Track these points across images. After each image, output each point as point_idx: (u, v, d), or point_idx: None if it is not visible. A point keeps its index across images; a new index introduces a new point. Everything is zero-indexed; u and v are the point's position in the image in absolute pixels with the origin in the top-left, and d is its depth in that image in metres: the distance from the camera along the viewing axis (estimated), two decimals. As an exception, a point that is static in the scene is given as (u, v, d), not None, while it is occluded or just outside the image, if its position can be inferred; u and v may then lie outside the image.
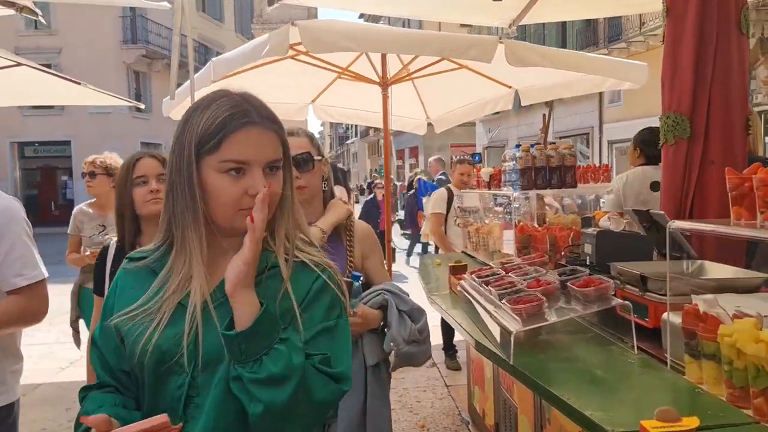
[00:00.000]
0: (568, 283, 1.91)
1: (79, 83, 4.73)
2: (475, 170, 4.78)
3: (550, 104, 4.51)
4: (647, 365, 1.71)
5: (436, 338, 4.09)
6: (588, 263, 2.40)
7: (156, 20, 25.25)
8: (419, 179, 9.66)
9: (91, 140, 23.71)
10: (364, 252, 2.10)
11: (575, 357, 1.79)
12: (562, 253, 2.69)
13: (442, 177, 8.68)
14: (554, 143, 3.12)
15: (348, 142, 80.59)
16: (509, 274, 2.22)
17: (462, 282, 2.47)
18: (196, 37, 28.33)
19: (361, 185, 35.83)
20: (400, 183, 35.89)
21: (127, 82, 25.49)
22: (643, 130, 3.98)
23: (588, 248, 2.40)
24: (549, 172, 3.00)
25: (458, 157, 5.50)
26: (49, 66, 23.06)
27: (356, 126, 71.33)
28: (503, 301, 1.90)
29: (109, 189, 3.56)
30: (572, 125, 24.06)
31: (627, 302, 1.79)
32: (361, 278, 2.02)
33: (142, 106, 6.24)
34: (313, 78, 5.93)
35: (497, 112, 28.96)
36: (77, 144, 24.02)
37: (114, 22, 24.40)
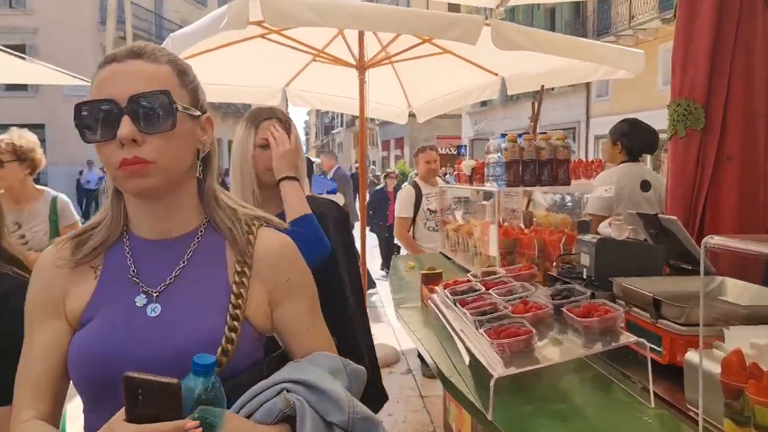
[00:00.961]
0: (564, 309, 1.52)
1: (24, 58, 4.24)
2: (456, 163, 4.41)
3: (541, 89, 4.10)
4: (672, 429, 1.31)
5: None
6: (585, 277, 2.01)
7: (135, 1, 24.51)
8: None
9: (65, 124, 22.94)
10: (274, 291, 1.09)
11: (573, 412, 1.39)
12: (554, 263, 2.29)
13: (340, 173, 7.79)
14: (545, 133, 2.72)
15: (333, 132, 79.90)
16: (490, 291, 1.81)
17: (434, 296, 2.07)
18: (178, 21, 27.62)
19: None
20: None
21: (104, 65, 24.72)
22: (621, 122, 3.61)
23: (585, 259, 2.00)
24: (539, 166, 2.60)
25: (420, 146, 5.13)
26: (23, 47, 22.42)
27: (342, 115, 70.66)
28: (482, 330, 1.50)
29: (24, 177, 3.10)
30: (558, 119, 23.75)
31: (642, 340, 1.39)
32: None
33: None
34: (287, 60, 5.48)
35: (484, 104, 28.73)
36: (51, 128, 23.29)
37: (92, 3, 23.63)
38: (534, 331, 1.42)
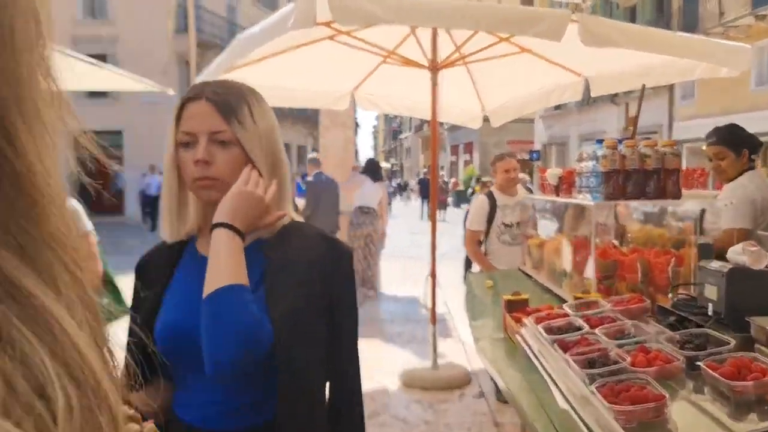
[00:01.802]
0: (703, 365, 1.18)
1: (101, 66, 4.21)
2: (537, 170, 3.99)
3: (641, 90, 3.69)
4: None
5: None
6: (710, 313, 1.65)
7: (210, 9, 25.17)
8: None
9: (142, 130, 23.81)
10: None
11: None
12: (669, 295, 1.93)
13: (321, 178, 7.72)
14: (650, 138, 2.35)
15: (401, 136, 79.95)
16: (595, 330, 1.49)
17: (523, 331, 1.76)
18: (249, 27, 28.21)
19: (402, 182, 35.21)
20: (453, 180, 35.10)
21: (178, 72, 25.50)
22: (733, 127, 3.21)
23: (711, 291, 1.65)
24: (644, 176, 2.24)
25: (498, 154, 4.65)
26: (104, 56, 23.37)
27: (411, 120, 70.60)
28: (594, 387, 1.19)
29: None
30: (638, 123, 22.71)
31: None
32: None
33: (171, 92, 5.72)
34: (356, 63, 5.28)
35: (558, 107, 27.85)
36: (129, 134, 24.17)
37: (169, 12, 24.40)
38: (666, 396, 1.10)
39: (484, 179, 13.26)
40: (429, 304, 5.01)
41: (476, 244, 4.46)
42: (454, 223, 22.27)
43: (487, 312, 2.55)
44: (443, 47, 4.68)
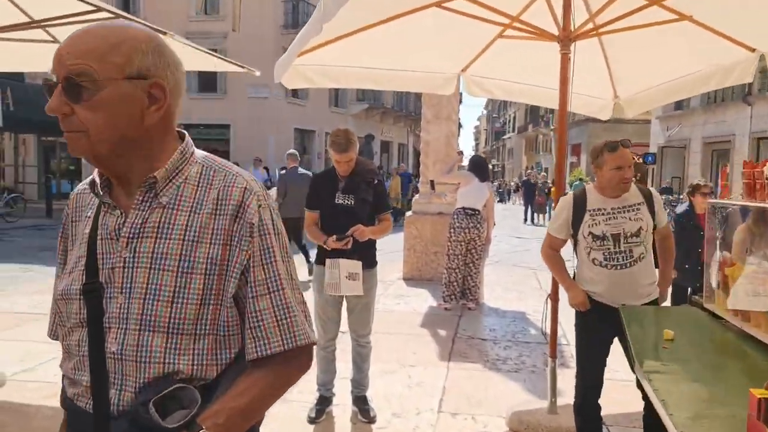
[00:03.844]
0: None
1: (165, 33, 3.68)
2: (752, 167, 2.53)
3: None
4: None
5: None
6: None
7: (315, 4, 25.06)
8: None
9: (248, 124, 24.13)
10: None
11: None
12: None
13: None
14: None
15: (504, 137, 77.95)
16: None
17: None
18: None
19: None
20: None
21: (286, 68, 25.61)
22: None
23: None
24: None
25: (607, 142, 3.14)
26: (215, 51, 23.82)
27: (514, 120, 68.59)
28: None
29: None
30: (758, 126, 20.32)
31: None
32: None
33: (257, 73, 5.17)
34: (465, 39, 4.47)
35: (679, 106, 25.50)
36: (235, 128, 24.56)
37: (276, 7, 24.54)
38: None
39: (697, 181, 11.87)
40: (543, 326, 4.11)
41: (556, 252, 3.29)
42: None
43: (680, 385, 1.65)
44: (576, 15, 3.76)
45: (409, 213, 9.26)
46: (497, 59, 4.66)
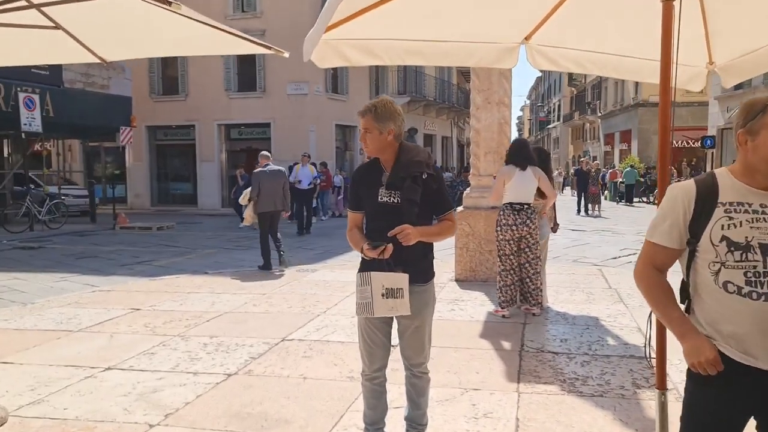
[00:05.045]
0: None
1: (171, 3, 3.04)
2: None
3: None
4: None
5: None
6: None
7: None
8: None
9: (288, 122, 23.65)
10: None
11: None
12: None
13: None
14: None
15: (549, 126, 75.99)
16: None
17: None
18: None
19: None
20: (611, 170, 31.80)
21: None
22: None
23: None
24: None
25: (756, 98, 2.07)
26: (252, 48, 23.60)
27: (559, 108, 66.66)
28: None
29: None
30: None
31: None
32: None
33: (286, 54, 4.54)
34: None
35: (739, 86, 23.80)
36: (275, 126, 24.15)
37: (313, 4, 23.99)
38: None
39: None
40: (646, 351, 3.33)
41: (660, 274, 2.07)
42: (615, 218, 19.69)
43: None
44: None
45: (460, 208, 8.50)
46: (568, 22, 3.86)
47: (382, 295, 2.83)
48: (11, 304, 7.27)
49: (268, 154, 9.91)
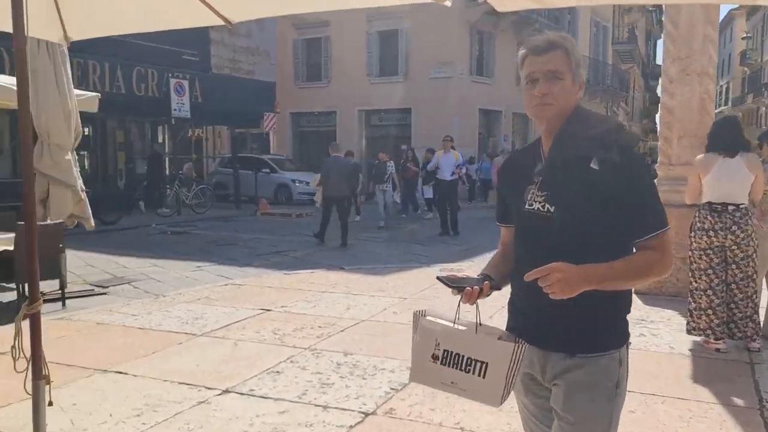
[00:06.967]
0: None
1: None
2: None
3: None
4: None
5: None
6: None
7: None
8: None
9: (430, 107, 22.60)
10: None
11: None
12: None
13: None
14: None
15: (714, 111, 68.72)
16: None
17: None
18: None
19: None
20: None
21: (470, 43, 23.70)
22: None
23: None
24: None
25: None
26: (396, 31, 22.74)
27: (727, 90, 59.92)
28: None
29: None
30: None
31: None
32: None
33: (448, 3, 3.43)
34: None
35: None
36: (416, 111, 23.26)
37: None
38: None
39: None
40: None
41: None
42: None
43: None
44: None
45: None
46: None
47: (434, 357, 1.73)
48: (144, 296, 6.92)
49: (338, 145, 11.85)
